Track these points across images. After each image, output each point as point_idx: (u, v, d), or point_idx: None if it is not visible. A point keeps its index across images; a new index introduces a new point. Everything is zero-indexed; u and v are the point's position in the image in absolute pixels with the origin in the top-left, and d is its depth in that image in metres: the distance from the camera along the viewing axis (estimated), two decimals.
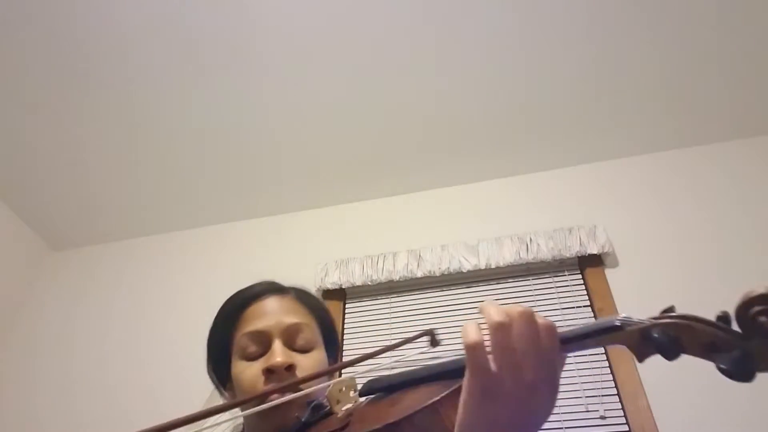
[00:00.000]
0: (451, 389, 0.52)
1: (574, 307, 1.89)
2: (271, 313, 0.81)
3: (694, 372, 1.48)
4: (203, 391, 1.50)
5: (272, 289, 0.86)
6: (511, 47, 1.94)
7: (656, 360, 0.47)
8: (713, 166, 2.12)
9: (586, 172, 2.25)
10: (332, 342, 0.89)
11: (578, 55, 1.95)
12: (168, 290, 2.39)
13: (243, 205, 2.50)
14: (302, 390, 0.63)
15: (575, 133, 2.20)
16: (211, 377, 0.86)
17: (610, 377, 1.70)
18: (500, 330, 0.45)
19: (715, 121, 2.13)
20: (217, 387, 0.86)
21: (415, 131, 2.19)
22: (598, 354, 1.74)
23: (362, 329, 2.06)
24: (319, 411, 0.69)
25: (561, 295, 1.93)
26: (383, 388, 0.63)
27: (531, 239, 1.98)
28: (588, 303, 1.89)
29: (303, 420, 0.68)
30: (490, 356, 0.44)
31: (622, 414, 1.62)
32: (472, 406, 0.45)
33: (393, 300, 2.10)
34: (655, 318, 0.46)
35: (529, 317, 0.45)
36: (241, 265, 2.35)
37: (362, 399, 0.65)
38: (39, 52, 1.98)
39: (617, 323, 0.47)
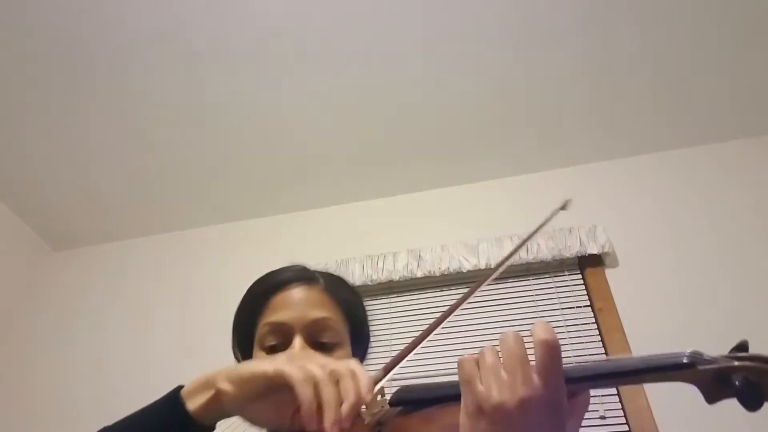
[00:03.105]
0: None
1: (574, 307, 1.89)
2: (297, 305, 0.77)
3: None
4: None
5: (301, 277, 0.82)
6: (511, 47, 1.94)
7: None
8: (713, 166, 2.12)
9: (586, 173, 2.25)
10: (360, 338, 0.84)
11: (578, 55, 1.96)
12: (168, 290, 2.39)
13: (242, 206, 2.50)
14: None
15: (575, 133, 2.20)
16: (235, 356, 0.84)
17: None
18: (492, 350, 0.48)
19: (716, 121, 2.13)
20: None
21: (415, 131, 2.20)
22: (597, 351, 1.75)
23: None
24: None
25: (561, 295, 1.93)
26: (416, 401, 0.59)
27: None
28: (588, 303, 1.89)
29: None
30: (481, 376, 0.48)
31: (622, 414, 1.62)
32: (466, 424, 0.48)
33: (393, 300, 2.10)
34: (730, 357, 0.42)
35: (516, 336, 0.48)
36: (239, 265, 2.35)
37: (391, 408, 0.61)
38: (39, 53, 1.98)
39: (686, 360, 0.43)
